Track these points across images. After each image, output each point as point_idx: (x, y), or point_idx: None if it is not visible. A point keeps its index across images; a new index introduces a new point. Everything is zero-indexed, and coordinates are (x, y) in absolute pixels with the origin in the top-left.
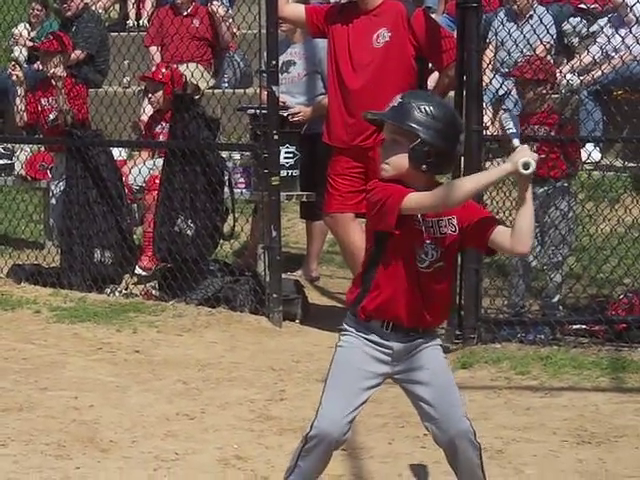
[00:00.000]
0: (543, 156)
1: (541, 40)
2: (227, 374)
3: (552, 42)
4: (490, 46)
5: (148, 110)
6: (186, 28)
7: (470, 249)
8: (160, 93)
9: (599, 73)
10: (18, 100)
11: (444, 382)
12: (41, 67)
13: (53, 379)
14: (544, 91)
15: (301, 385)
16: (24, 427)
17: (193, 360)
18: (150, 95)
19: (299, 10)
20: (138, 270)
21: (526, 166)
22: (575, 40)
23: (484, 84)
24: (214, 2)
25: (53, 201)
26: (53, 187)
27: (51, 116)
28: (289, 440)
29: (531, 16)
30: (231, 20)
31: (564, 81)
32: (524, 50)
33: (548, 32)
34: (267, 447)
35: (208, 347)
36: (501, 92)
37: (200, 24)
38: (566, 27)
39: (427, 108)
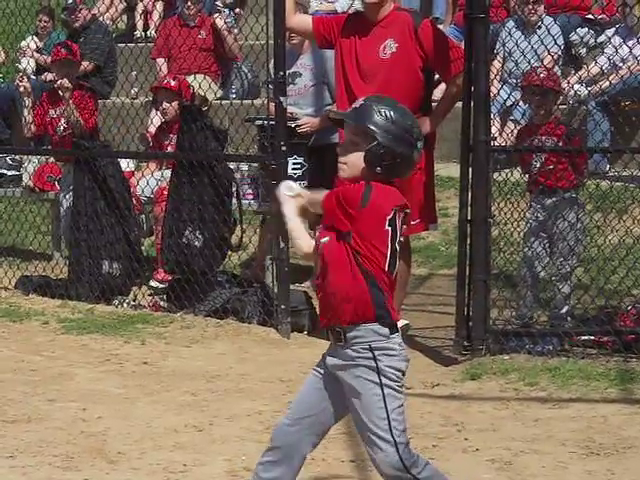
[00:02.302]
0: (551, 167)
1: (549, 51)
2: (235, 385)
3: (560, 53)
4: (498, 57)
5: (156, 121)
6: (193, 39)
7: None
8: (176, 103)
9: (607, 84)
10: (26, 111)
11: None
12: (55, 77)
13: (61, 391)
14: (553, 101)
15: None
16: (32, 439)
17: (201, 371)
18: (165, 105)
19: (306, 21)
20: (154, 283)
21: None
22: (583, 51)
23: (492, 95)
24: (216, 14)
25: (62, 212)
26: (62, 198)
27: (60, 126)
28: None
29: (539, 27)
30: (237, 31)
31: (572, 92)
32: (532, 61)
33: (556, 43)
34: None
35: (216, 358)
36: (509, 103)
37: (207, 35)
38: (574, 38)
39: (387, 112)
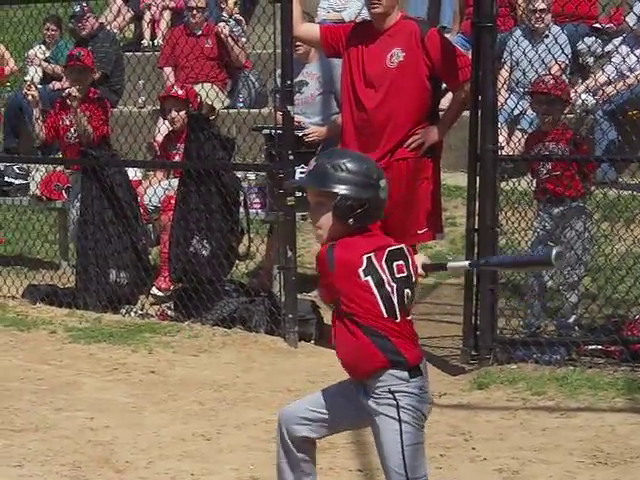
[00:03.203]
0: (558, 173)
1: (556, 60)
2: (243, 394)
3: (567, 62)
4: (505, 66)
5: (163, 130)
6: (200, 48)
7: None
8: (183, 112)
9: (614, 92)
10: (34, 121)
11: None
12: (63, 85)
13: (69, 400)
14: (560, 110)
15: None
16: (40, 448)
17: (209, 381)
18: (173, 114)
19: (314, 30)
20: (155, 291)
21: None
22: (590, 60)
23: (499, 104)
24: (221, 23)
25: (71, 221)
26: (71, 207)
27: (71, 135)
28: None
29: (546, 36)
30: (244, 39)
31: (579, 101)
32: (539, 70)
33: (563, 52)
34: None
35: (224, 368)
36: (516, 112)
37: (213, 44)
38: (581, 47)
39: (342, 165)
